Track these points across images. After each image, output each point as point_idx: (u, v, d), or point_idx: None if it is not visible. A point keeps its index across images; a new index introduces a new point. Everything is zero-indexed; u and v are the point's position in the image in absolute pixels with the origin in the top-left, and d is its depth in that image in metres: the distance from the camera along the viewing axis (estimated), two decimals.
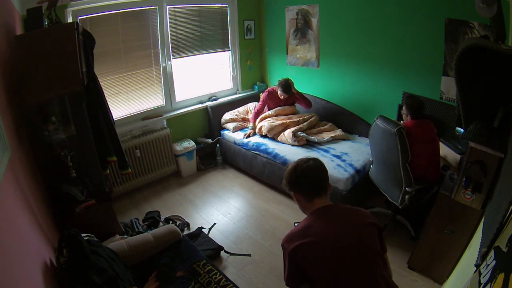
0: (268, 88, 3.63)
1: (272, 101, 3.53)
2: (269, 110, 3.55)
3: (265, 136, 3.36)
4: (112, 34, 2.90)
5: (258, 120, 3.49)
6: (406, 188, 2.18)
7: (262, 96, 3.60)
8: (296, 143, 3.11)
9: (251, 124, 3.54)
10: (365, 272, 1.13)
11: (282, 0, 3.71)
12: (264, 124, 3.35)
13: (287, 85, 3.34)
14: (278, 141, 3.24)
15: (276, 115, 3.47)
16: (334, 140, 3.20)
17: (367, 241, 1.17)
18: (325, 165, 1.29)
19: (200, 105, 3.73)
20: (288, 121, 3.33)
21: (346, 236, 1.16)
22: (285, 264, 1.20)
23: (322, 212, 1.21)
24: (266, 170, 3.19)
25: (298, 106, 3.60)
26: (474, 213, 1.68)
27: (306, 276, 1.16)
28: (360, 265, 1.13)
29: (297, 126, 3.24)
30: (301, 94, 3.45)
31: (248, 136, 3.43)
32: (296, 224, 2.69)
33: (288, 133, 3.17)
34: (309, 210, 1.25)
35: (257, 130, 3.42)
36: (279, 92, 3.40)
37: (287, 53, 3.90)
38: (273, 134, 3.27)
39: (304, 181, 1.23)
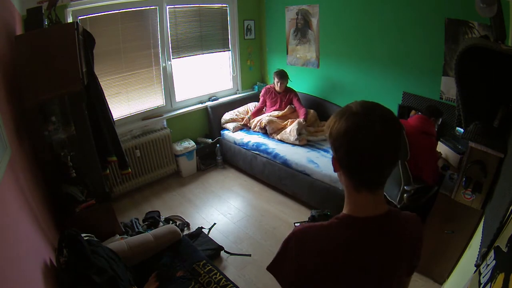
0: (267, 86, 3.68)
1: (269, 96, 3.57)
2: (267, 107, 3.61)
3: (264, 133, 3.37)
4: (112, 34, 2.90)
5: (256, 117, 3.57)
6: (405, 187, 2.18)
7: (262, 91, 3.66)
8: (297, 142, 3.10)
9: (248, 115, 3.66)
10: None
11: (282, 0, 3.71)
12: (264, 117, 3.39)
13: (282, 71, 3.40)
14: (278, 140, 3.24)
15: (276, 115, 3.48)
16: None
17: (395, 276, 0.81)
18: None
19: (200, 105, 3.73)
20: (287, 121, 3.36)
21: (375, 277, 0.77)
22: (282, 261, 0.83)
23: (362, 232, 0.75)
24: (266, 170, 3.19)
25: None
26: (474, 213, 1.68)
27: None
28: None
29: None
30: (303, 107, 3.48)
31: (245, 125, 3.60)
32: (296, 225, 2.68)
33: (292, 130, 3.15)
34: (350, 199, 0.77)
35: (257, 124, 3.45)
36: (275, 81, 3.43)
37: (287, 53, 3.90)
38: (272, 128, 3.26)
39: (356, 159, 0.70)
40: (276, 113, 3.49)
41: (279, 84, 3.43)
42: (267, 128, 3.32)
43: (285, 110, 3.48)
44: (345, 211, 0.77)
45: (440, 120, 2.34)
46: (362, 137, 0.67)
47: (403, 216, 0.80)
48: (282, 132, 3.24)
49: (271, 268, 0.87)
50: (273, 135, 3.30)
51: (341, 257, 0.75)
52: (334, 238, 0.76)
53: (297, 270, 0.79)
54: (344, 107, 0.73)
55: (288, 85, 3.52)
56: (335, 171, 0.78)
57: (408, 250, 0.79)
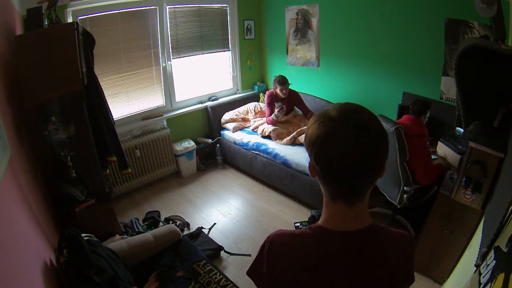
0: (267, 92, 3.44)
1: (275, 102, 3.39)
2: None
3: (266, 137, 3.35)
4: (112, 34, 2.90)
5: (260, 122, 3.51)
6: (405, 188, 2.18)
7: (265, 100, 3.41)
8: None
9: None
10: None
11: (282, 0, 3.71)
12: (267, 126, 3.35)
13: (283, 77, 3.24)
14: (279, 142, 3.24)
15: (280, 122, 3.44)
16: None
17: None
18: None
19: (200, 105, 3.73)
20: (291, 126, 3.34)
21: None
22: (259, 266, 0.78)
23: (331, 248, 0.69)
24: (266, 170, 3.19)
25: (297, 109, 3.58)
26: (474, 213, 1.68)
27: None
28: None
29: (301, 130, 3.21)
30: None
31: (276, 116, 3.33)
32: (296, 225, 2.68)
33: (302, 138, 3.10)
34: (326, 209, 0.72)
35: (259, 131, 3.40)
36: (278, 90, 3.26)
37: (287, 53, 3.90)
38: (277, 134, 3.23)
39: (325, 168, 0.64)
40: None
41: (283, 90, 3.25)
42: (271, 135, 3.27)
43: (289, 115, 3.43)
44: (320, 221, 0.72)
45: (429, 112, 2.31)
46: (331, 145, 0.61)
47: (387, 235, 0.73)
48: (299, 138, 3.14)
49: (249, 272, 0.83)
50: (278, 141, 3.22)
51: (307, 272, 0.70)
52: (302, 249, 0.71)
53: (270, 275, 0.75)
54: (323, 110, 0.65)
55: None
56: (312, 177, 0.71)
57: (385, 273, 0.70)
